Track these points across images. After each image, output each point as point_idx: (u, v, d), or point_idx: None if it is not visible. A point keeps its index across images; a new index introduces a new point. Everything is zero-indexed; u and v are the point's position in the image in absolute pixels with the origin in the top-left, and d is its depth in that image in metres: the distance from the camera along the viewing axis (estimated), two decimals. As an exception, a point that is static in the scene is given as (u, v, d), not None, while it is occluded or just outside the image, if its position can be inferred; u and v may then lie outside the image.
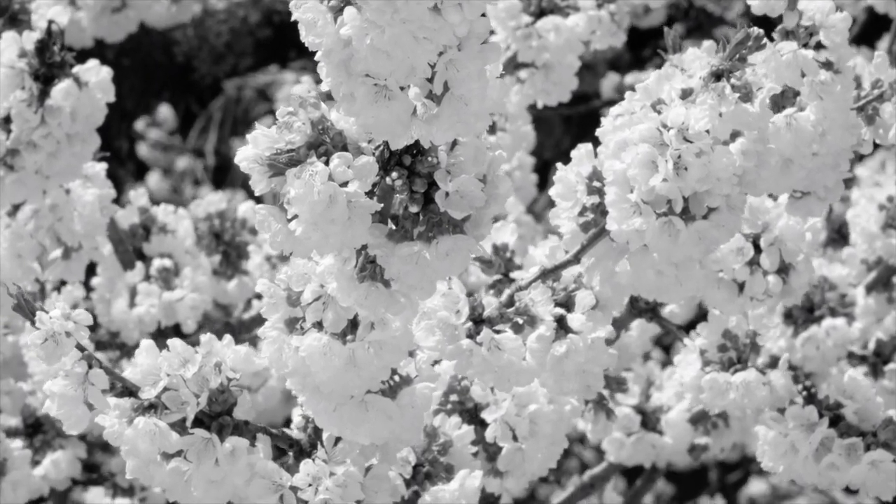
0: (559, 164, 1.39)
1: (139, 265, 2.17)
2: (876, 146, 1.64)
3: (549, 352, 1.45)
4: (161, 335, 2.12)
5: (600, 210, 1.38)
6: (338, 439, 1.46)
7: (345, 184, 1.23)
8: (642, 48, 4.02)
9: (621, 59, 3.91)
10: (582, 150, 1.40)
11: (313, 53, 1.20)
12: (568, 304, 1.48)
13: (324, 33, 1.17)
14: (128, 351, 2.18)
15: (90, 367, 1.41)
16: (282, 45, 3.29)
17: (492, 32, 1.78)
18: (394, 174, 1.26)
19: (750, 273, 1.65)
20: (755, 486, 4.35)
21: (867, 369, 2.04)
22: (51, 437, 2.10)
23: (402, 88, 1.20)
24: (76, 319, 1.39)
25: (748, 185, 1.35)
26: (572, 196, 1.40)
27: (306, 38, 1.17)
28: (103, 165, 2.05)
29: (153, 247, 2.21)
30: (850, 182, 1.76)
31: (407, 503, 1.57)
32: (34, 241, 2.01)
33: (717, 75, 1.32)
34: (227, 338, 1.46)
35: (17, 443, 1.92)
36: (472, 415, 1.71)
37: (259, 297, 2.30)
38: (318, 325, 1.37)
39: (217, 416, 1.44)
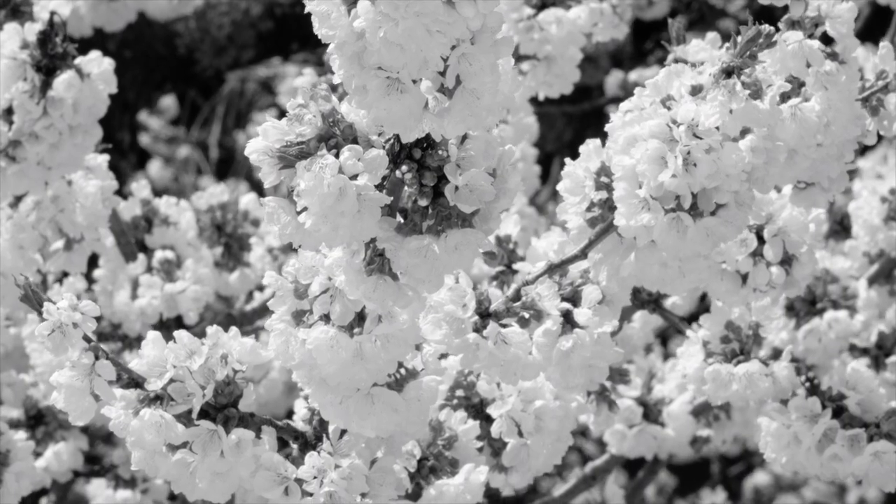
0: (567, 160, 1.39)
1: (141, 257, 2.17)
2: (879, 138, 1.64)
3: (556, 346, 1.44)
4: (163, 327, 2.12)
5: (608, 205, 1.37)
6: (343, 432, 1.46)
7: (355, 177, 1.23)
8: (645, 41, 4.02)
9: (623, 51, 3.91)
10: (590, 146, 1.40)
11: (316, 46, 1.20)
12: (574, 298, 1.48)
13: (337, 25, 1.17)
14: (129, 343, 2.18)
15: (97, 358, 1.41)
16: (284, 37, 3.29)
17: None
18: (404, 167, 1.26)
19: (753, 264, 1.65)
20: (759, 477, 4.36)
21: (869, 362, 2.05)
22: (53, 428, 2.10)
23: (414, 82, 1.20)
24: (83, 310, 1.39)
25: (757, 182, 1.35)
26: (580, 191, 1.40)
27: (319, 30, 1.17)
28: (105, 157, 2.05)
29: (155, 238, 2.21)
30: (852, 174, 1.76)
31: (411, 497, 1.57)
32: (36, 233, 2.01)
33: (728, 72, 1.32)
34: (234, 330, 1.46)
35: (20, 434, 1.91)
36: (478, 410, 1.71)
37: (261, 288, 2.32)
38: (326, 318, 1.38)
39: (223, 408, 1.44)
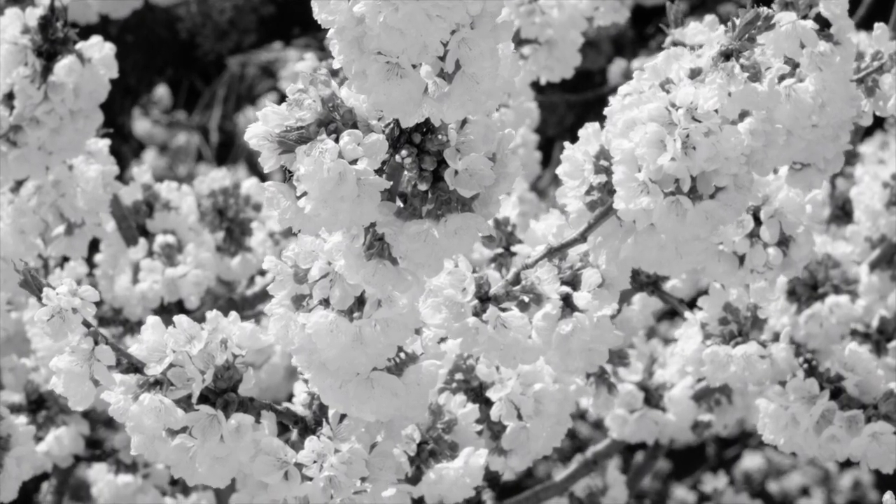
0: (566, 143, 1.39)
1: (142, 241, 2.17)
2: (879, 124, 1.64)
3: (555, 330, 1.45)
4: (164, 311, 2.12)
5: (607, 189, 1.37)
6: (343, 416, 1.46)
7: (354, 161, 1.23)
8: (646, 25, 4.01)
9: (625, 36, 3.90)
10: (589, 129, 1.40)
11: (317, 31, 1.20)
12: (574, 282, 1.48)
13: (337, 10, 1.17)
14: (131, 327, 2.18)
15: (96, 343, 1.41)
16: (285, 22, 3.28)
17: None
18: (403, 152, 1.26)
19: (750, 245, 1.65)
20: (749, 461, 4.36)
21: (870, 346, 2.05)
22: (54, 413, 2.10)
23: (413, 66, 1.20)
24: (83, 296, 1.39)
25: (756, 165, 1.35)
26: (579, 175, 1.40)
27: (319, 14, 1.17)
28: (106, 141, 2.05)
29: (156, 223, 2.21)
30: (852, 157, 1.75)
31: (411, 480, 1.57)
32: (37, 217, 2.01)
33: (727, 55, 1.32)
34: (234, 314, 1.46)
35: (21, 419, 1.91)
36: (478, 393, 1.71)
37: (262, 273, 2.32)
38: (325, 303, 1.37)
39: (222, 393, 1.44)
